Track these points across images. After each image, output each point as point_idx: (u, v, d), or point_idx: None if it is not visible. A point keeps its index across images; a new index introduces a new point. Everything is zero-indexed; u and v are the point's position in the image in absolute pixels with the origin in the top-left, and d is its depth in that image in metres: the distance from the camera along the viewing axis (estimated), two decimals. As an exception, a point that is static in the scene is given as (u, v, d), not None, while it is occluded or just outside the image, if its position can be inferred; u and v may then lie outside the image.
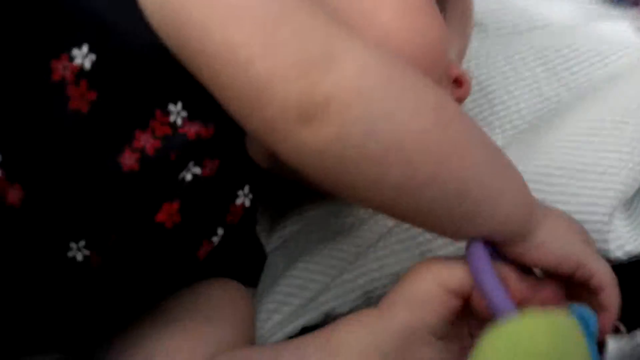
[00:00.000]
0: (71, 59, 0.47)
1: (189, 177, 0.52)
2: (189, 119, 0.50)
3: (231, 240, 0.57)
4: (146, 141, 0.49)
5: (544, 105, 0.77)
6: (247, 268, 0.64)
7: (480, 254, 0.50)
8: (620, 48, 0.80)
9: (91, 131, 0.48)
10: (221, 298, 0.60)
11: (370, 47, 0.48)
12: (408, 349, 0.52)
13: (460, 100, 0.68)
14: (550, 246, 0.52)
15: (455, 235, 0.53)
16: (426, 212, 0.49)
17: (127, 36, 0.48)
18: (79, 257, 0.50)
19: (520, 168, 0.63)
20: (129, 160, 0.49)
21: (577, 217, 0.62)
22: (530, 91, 0.79)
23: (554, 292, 0.53)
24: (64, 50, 0.47)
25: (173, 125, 0.50)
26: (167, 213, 0.51)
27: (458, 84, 0.67)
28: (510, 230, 0.52)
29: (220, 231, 0.55)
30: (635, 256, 0.63)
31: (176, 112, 0.50)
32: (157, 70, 0.49)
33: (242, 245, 0.62)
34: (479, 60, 0.82)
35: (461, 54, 0.72)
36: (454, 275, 0.52)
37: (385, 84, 0.47)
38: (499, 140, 0.76)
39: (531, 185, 0.63)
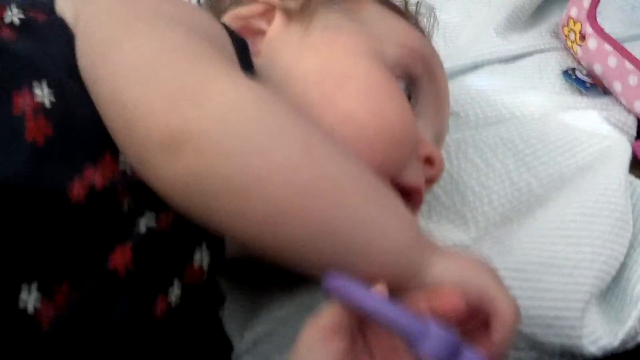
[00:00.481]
0: (32, 95, 0.50)
1: (142, 228, 0.51)
2: None
3: (190, 308, 0.54)
4: (95, 178, 0.50)
5: (514, 196, 0.78)
6: (209, 356, 0.60)
7: (344, 283, 0.48)
8: (589, 138, 0.81)
9: (44, 162, 0.49)
10: None
11: (252, 88, 0.50)
12: None
13: (433, 179, 0.68)
14: (445, 280, 0.50)
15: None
16: (295, 249, 0.49)
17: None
18: (30, 308, 0.47)
19: (495, 265, 0.63)
20: (77, 192, 0.49)
21: (550, 312, 0.63)
22: (501, 182, 0.79)
23: None
24: (25, 84, 0.50)
25: (124, 165, 0.52)
26: (121, 260, 0.50)
27: (429, 164, 0.67)
28: (391, 269, 0.50)
29: (177, 288, 0.53)
30: (610, 352, 0.63)
31: (124, 161, 0.51)
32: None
33: (204, 325, 0.59)
34: (449, 152, 0.83)
35: (439, 136, 0.72)
36: (326, 315, 0.49)
37: (254, 119, 0.48)
38: (472, 232, 0.76)
39: (505, 282, 0.63)
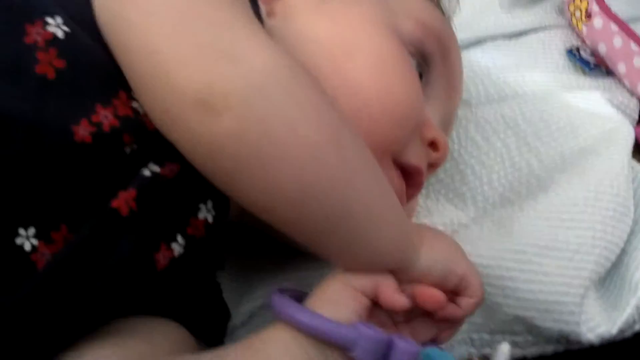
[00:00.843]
0: (45, 24, 0.49)
1: (147, 172, 0.51)
2: None
3: (192, 263, 0.54)
4: (105, 117, 0.49)
5: (515, 176, 0.77)
6: (206, 320, 0.61)
7: (284, 301, 0.53)
8: (591, 119, 0.80)
9: (52, 97, 0.48)
10: (166, 338, 0.56)
11: (283, 55, 0.50)
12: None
13: (436, 164, 0.68)
14: (432, 270, 0.55)
15: (334, 259, 0.54)
16: (309, 227, 0.50)
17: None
18: (27, 246, 0.47)
19: (495, 246, 0.63)
20: (83, 131, 0.48)
21: (549, 297, 0.63)
22: (502, 161, 0.78)
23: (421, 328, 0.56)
24: (39, 16, 0.49)
25: (135, 110, 0.50)
26: (123, 199, 0.49)
27: (434, 148, 0.66)
28: (387, 263, 0.53)
29: (180, 240, 0.53)
30: (607, 340, 0.63)
31: (142, 109, 0.51)
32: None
33: (204, 287, 0.60)
34: None
35: (446, 122, 0.72)
36: (358, 277, 0.53)
37: (289, 89, 0.48)
38: (470, 211, 0.75)
39: (504, 263, 0.63)
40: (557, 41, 0.95)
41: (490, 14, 0.97)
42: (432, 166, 0.67)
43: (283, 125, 0.47)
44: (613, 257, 0.67)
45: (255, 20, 0.53)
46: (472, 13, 0.98)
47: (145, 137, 0.50)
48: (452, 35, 0.72)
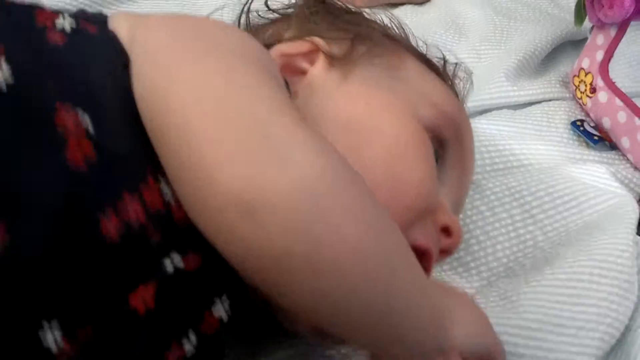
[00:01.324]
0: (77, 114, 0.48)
1: (169, 267, 0.50)
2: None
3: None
4: (134, 212, 0.48)
5: (519, 248, 0.78)
6: None
7: None
8: (596, 194, 0.81)
9: (83, 188, 0.47)
10: None
11: (327, 149, 0.49)
12: None
13: (449, 250, 0.67)
14: (463, 346, 0.54)
15: (371, 349, 0.54)
16: (349, 324, 0.49)
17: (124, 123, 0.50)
18: (53, 346, 0.45)
19: (500, 321, 0.63)
20: (111, 227, 0.47)
21: None
22: (507, 232, 0.79)
23: None
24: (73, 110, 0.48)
25: (164, 198, 0.49)
26: (142, 298, 0.48)
27: (447, 234, 0.66)
28: (423, 350, 0.53)
29: (192, 338, 0.51)
30: None
31: (170, 194, 0.49)
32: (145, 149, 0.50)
33: None
34: None
35: (458, 206, 0.72)
36: None
37: (336, 193, 0.47)
38: (475, 281, 0.76)
39: (510, 339, 0.64)
40: (562, 113, 0.96)
41: (495, 84, 0.99)
42: (445, 252, 0.67)
43: (332, 233, 0.46)
44: (617, 334, 0.66)
45: (294, 106, 0.52)
46: (477, 83, 0.99)
47: (172, 228, 0.49)
48: (467, 120, 0.73)
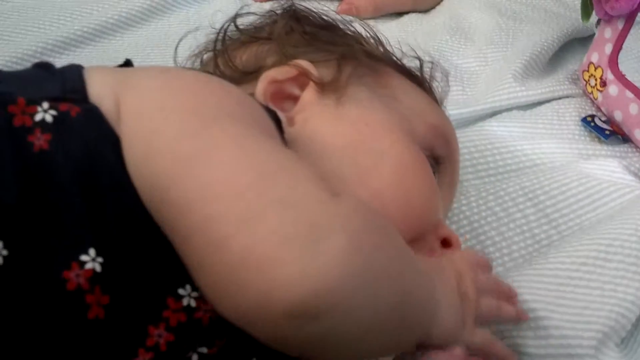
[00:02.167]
0: (82, 265, 0.46)
1: (195, 357, 0.50)
2: (202, 298, 0.48)
3: None
4: (159, 337, 0.48)
5: (535, 248, 0.78)
6: None
7: None
8: (609, 190, 0.81)
9: (108, 336, 0.46)
10: None
11: (357, 217, 0.48)
12: None
13: None
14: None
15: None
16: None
17: (129, 233, 0.48)
18: None
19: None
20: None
21: (561, 350, 0.63)
22: (522, 232, 0.79)
23: None
24: (73, 257, 0.46)
25: (187, 308, 0.49)
26: None
27: (446, 245, 0.67)
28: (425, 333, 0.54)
29: None
30: None
31: (187, 295, 0.49)
32: (161, 257, 0.48)
33: None
34: (469, 199, 0.83)
35: (446, 215, 0.74)
36: None
37: (369, 272, 0.45)
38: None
39: None
40: (572, 110, 0.97)
41: (504, 86, 0.98)
42: None
43: (366, 310, 0.45)
44: (631, 316, 0.67)
45: (313, 171, 0.50)
46: (486, 86, 1.00)
47: (198, 330, 0.49)
48: (454, 133, 0.74)
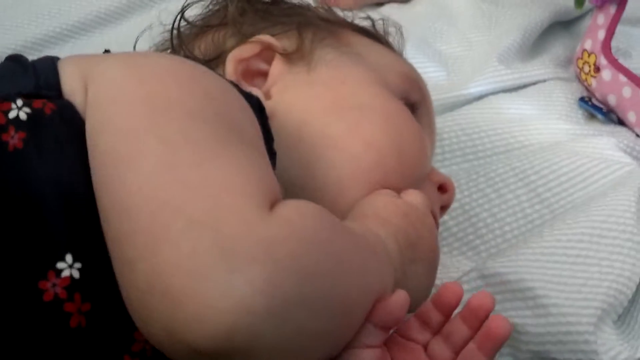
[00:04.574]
0: (58, 273, 0.44)
1: None
2: None
3: None
4: (146, 342, 0.46)
5: (527, 228, 0.78)
6: None
7: None
8: (600, 167, 0.82)
9: (92, 344, 0.45)
10: None
11: (286, 241, 0.42)
12: None
13: (446, 205, 0.70)
14: None
15: None
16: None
17: None
18: None
19: (501, 281, 0.67)
20: None
21: (560, 328, 0.64)
22: (514, 213, 0.80)
23: None
24: (49, 266, 0.44)
25: None
26: None
27: (442, 190, 0.69)
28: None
29: None
30: None
31: None
32: None
33: None
34: (460, 182, 0.83)
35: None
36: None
37: (294, 306, 0.41)
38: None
39: (509, 296, 0.67)
40: (559, 92, 0.97)
41: (490, 69, 0.99)
42: (442, 208, 0.70)
43: (297, 342, 0.43)
44: (628, 292, 0.67)
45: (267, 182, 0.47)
46: (472, 70, 1.00)
47: None
48: (422, 77, 0.74)
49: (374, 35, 0.76)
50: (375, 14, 0.80)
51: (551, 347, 0.64)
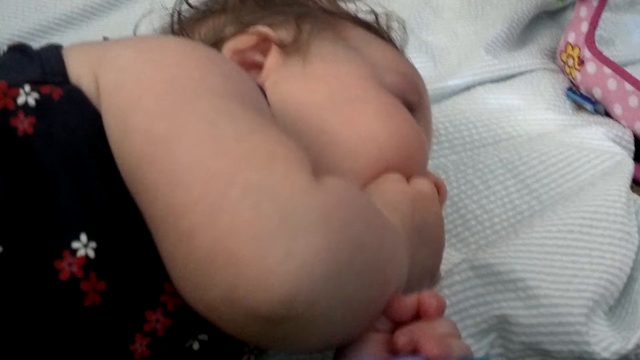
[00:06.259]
0: (73, 252, 0.44)
1: (196, 345, 0.49)
2: None
3: None
4: (157, 322, 0.46)
5: (517, 219, 0.78)
6: None
7: None
8: (589, 157, 0.82)
9: (105, 323, 0.45)
10: None
11: (339, 208, 0.44)
12: None
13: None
14: None
15: None
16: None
17: (122, 216, 0.46)
18: None
19: (491, 271, 0.66)
20: (140, 347, 0.46)
21: (552, 319, 0.63)
22: (502, 204, 0.79)
23: None
24: (64, 246, 0.44)
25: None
26: None
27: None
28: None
29: None
30: (624, 356, 0.63)
31: None
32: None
33: None
34: (448, 174, 0.82)
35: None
36: None
37: (347, 274, 0.42)
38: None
39: (500, 287, 0.66)
40: (546, 82, 0.97)
41: (477, 60, 0.98)
42: None
43: (344, 310, 0.43)
44: (619, 282, 0.67)
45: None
46: (458, 60, 0.99)
47: (198, 317, 0.45)
48: (421, 78, 0.74)
49: (376, 30, 0.75)
50: (378, 7, 0.79)
51: (542, 338, 0.63)
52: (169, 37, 0.69)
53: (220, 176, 0.42)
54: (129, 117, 0.46)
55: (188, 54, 0.52)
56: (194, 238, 0.41)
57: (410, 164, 0.62)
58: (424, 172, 0.67)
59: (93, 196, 0.45)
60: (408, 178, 0.62)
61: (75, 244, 0.44)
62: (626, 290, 0.68)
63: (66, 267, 0.43)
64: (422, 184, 0.61)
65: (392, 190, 0.58)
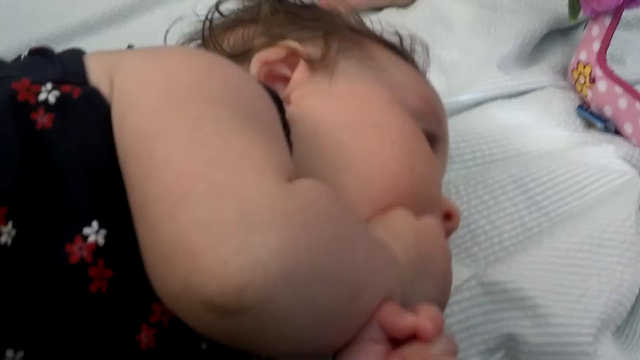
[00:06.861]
0: (85, 238, 0.45)
1: (204, 346, 0.49)
2: None
3: None
4: (163, 313, 0.47)
5: (525, 236, 0.78)
6: None
7: None
8: (598, 176, 0.82)
9: (110, 311, 0.46)
10: None
11: (304, 213, 0.44)
12: None
13: (449, 232, 0.69)
14: None
15: None
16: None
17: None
18: None
19: (499, 289, 0.66)
20: (145, 338, 0.47)
21: (558, 339, 0.63)
22: (512, 221, 0.79)
23: None
24: (76, 230, 0.46)
25: None
26: None
27: (447, 218, 0.68)
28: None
29: None
30: None
31: None
32: None
33: None
34: (458, 189, 0.83)
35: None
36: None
37: (305, 275, 0.42)
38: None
39: (508, 305, 0.66)
40: (557, 99, 0.96)
41: (488, 75, 0.99)
42: (447, 234, 0.68)
43: (306, 310, 0.43)
44: (627, 303, 0.67)
45: (285, 161, 0.48)
46: (470, 76, 0.99)
47: None
48: (442, 104, 0.74)
49: (400, 51, 0.75)
50: (391, 23, 0.79)
51: (550, 357, 0.63)
52: (179, 47, 0.70)
53: (190, 172, 0.43)
54: (126, 116, 0.48)
55: (191, 61, 0.54)
56: (158, 229, 0.42)
57: (421, 199, 0.62)
58: (438, 199, 0.66)
59: (105, 187, 0.47)
60: (419, 210, 0.61)
61: (86, 230, 0.45)
62: (634, 310, 0.68)
63: (77, 251, 0.45)
64: (428, 219, 0.60)
65: (396, 219, 0.58)
